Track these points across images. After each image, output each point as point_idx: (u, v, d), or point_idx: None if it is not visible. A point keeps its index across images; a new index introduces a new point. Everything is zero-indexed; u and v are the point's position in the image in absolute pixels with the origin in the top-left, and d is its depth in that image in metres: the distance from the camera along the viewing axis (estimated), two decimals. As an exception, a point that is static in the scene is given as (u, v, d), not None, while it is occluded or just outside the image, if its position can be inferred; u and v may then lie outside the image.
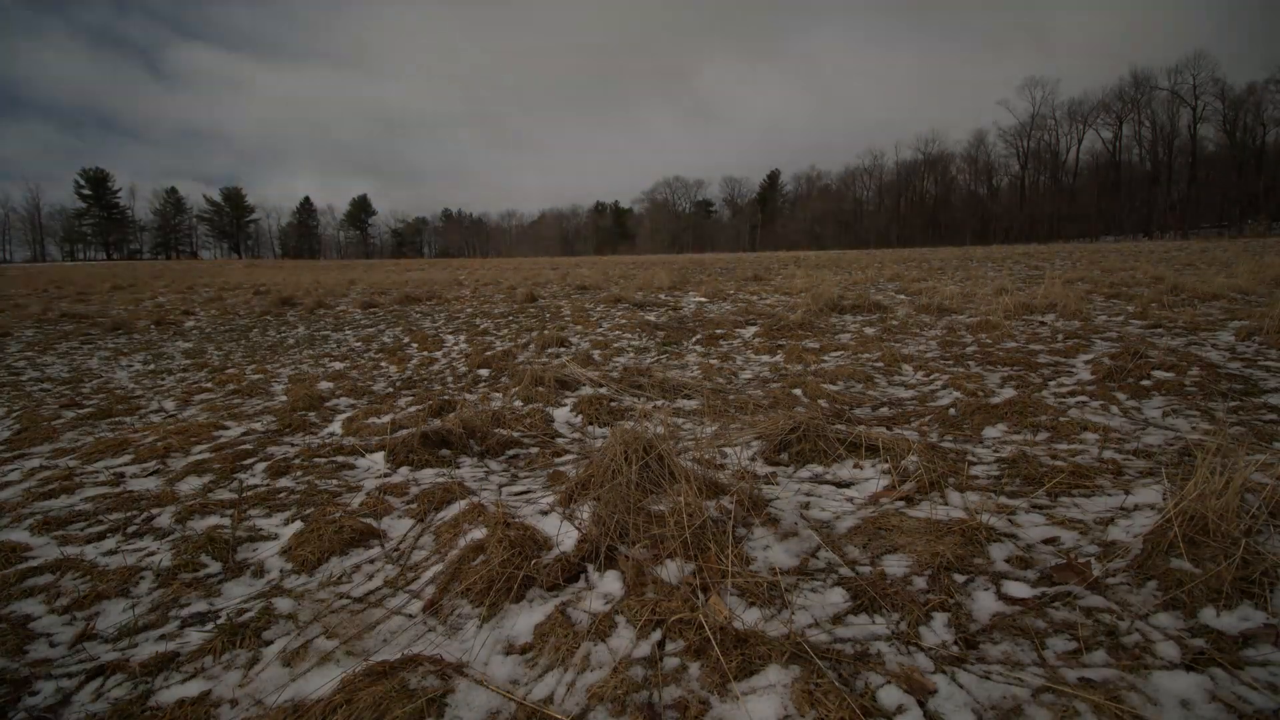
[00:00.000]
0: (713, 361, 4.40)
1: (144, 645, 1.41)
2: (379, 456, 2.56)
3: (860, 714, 1.08)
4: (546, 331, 5.61)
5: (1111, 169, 63.43)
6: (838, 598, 1.44)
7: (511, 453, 2.62)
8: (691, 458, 2.16)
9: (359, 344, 5.99)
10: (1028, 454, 2.24)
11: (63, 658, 1.37)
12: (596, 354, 4.79)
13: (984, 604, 1.38)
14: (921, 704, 1.10)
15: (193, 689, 1.26)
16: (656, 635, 1.32)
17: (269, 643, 1.40)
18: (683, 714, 1.11)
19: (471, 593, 1.50)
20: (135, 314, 9.09)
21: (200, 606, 1.56)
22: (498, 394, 3.60)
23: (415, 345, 5.79)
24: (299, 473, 2.45)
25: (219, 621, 1.48)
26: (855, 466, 2.21)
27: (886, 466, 2.16)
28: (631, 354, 4.82)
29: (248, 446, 2.75)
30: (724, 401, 3.25)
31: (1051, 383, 3.31)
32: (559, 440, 2.76)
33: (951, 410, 2.83)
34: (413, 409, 3.27)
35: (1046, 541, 1.61)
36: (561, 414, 3.16)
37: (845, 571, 1.54)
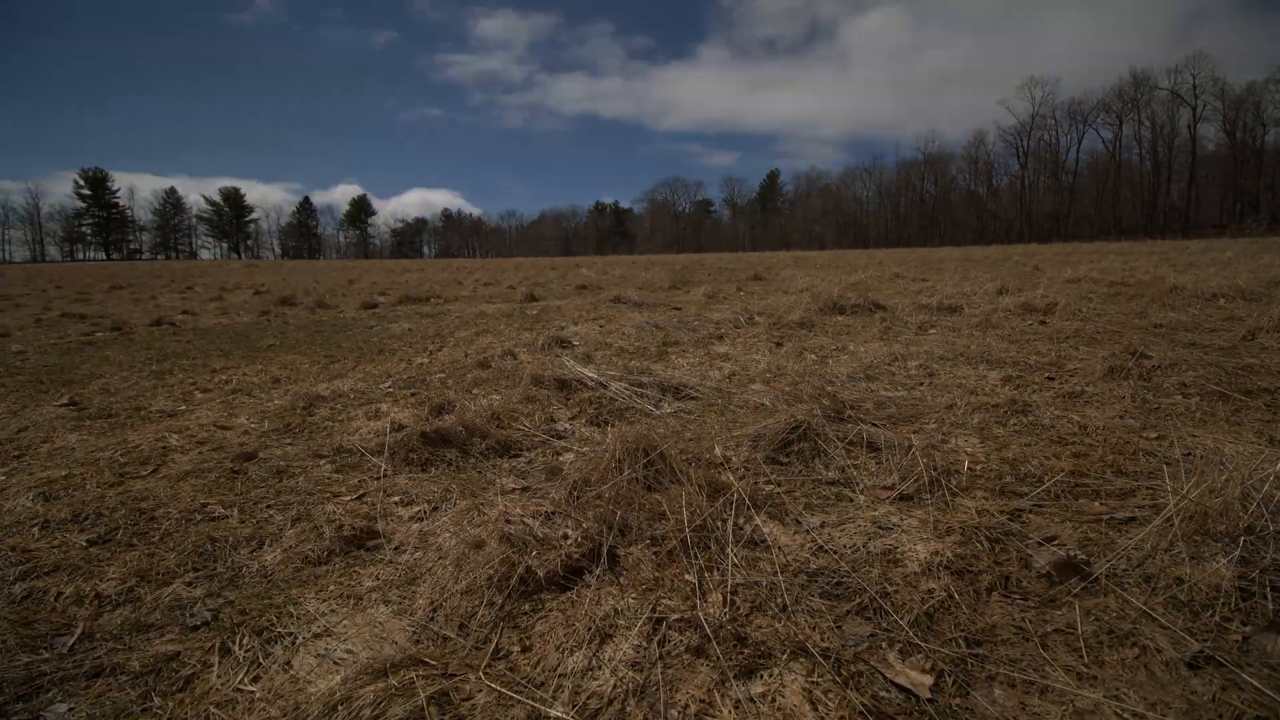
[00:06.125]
0: (713, 361, 4.39)
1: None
2: (379, 455, 2.56)
3: (861, 713, 1.08)
4: (547, 331, 5.61)
5: (1111, 169, 63.45)
6: (839, 597, 1.44)
7: (512, 452, 2.62)
8: (692, 457, 2.16)
9: (359, 343, 5.99)
10: (1028, 452, 2.24)
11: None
12: (597, 354, 4.79)
13: (985, 603, 1.38)
14: (922, 702, 1.10)
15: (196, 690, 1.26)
16: (657, 634, 1.32)
17: (272, 644, 1.40)
18: (683, 713, 1.11)
19: (472, 592, 1.50)
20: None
21: (204, 615, 1.56)
22: (497, 393, 3.60)
23: (415, 345, 5.79)
24: (299, 473, 2.45)
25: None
26: (856, 465, 2.21)
27: (887, 465, 2.16)
28: (632, 354, 4.82)
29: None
30: (725, 400, 3.25)
31: (1052, 381, 3.31)
32: (559, 440, 2.76)
33: (952, 409, 2.83)
34: (412, 408, 3.27)
35: (1047, 540, 1.61)
36: (562, 413, 3.16)
37: (846, 570, 1.54)
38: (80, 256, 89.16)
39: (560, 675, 1.23)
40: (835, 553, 1.63)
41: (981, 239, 62.33)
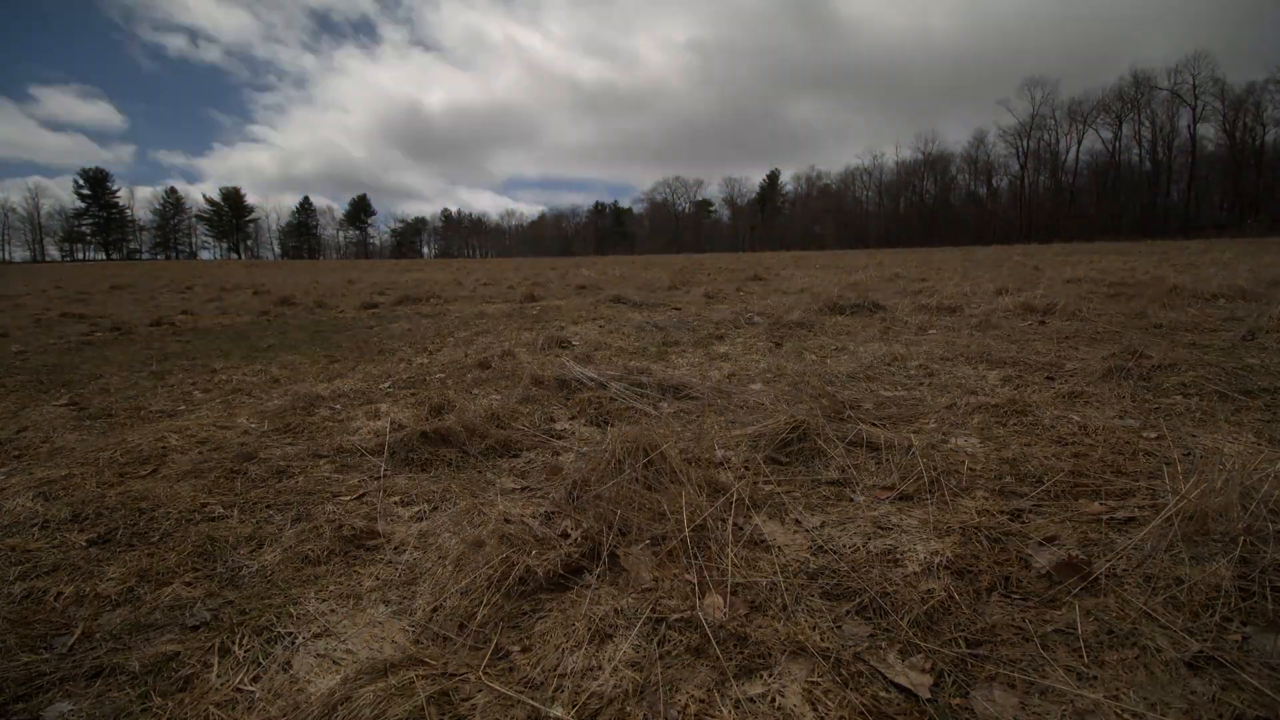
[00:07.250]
0: (713, 361, 4.39)
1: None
2: (378, 455, 2.56)
3: (860, 713, 1.08)
4: (546, 331, 5.61)
5: (1111, 169, 63.52)
6: (839, 597, 1.44)
7: (511, 452, 2.62)
8: (692, 457, 2.16)
9: (359, 343, 5.99)
10: (1028, 452, 2.23)
11: (62, 657, 1.36)
12: (597, 354, 4.79)
13: (985, 603, 1.38)
14: (922, 702, 1.10)
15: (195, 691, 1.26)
16: (656, 634, 1.32)
17: (272, 644, 1.40)
18: (683, 713, 1.11)
19: (471, 592, 1.50)
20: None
21: (203, 614, 1.56)
22: (497, 393, 3.60)
23: (415, 345, 5.79)
24: (299, 472, 2.45)
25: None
26: (856, 465, 2.21)
27: (887, 465, 2.16)
28: (632, 354, 4.82)
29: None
30: (725, 400, 3.25)
31: (1051, 381, 3.31)
32: (559, 440, 2.76)
33: (952, 409, 2.83)
34: (412, 408, 3.27)
35: (1047, 539, 1.61)
36: (561, 413, 3.16)
37: (846, 570, 1.54)
38: (80, 256, 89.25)
39: (560, 675, 1.23)
40: (835, 553, 1.63)
41: (981, 239, 62.31)
